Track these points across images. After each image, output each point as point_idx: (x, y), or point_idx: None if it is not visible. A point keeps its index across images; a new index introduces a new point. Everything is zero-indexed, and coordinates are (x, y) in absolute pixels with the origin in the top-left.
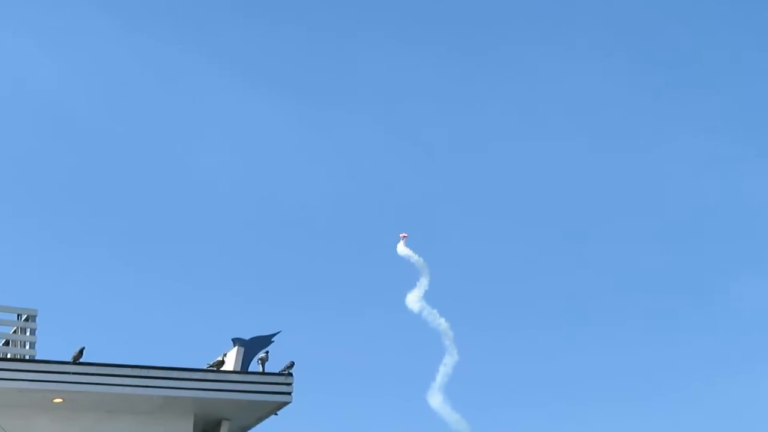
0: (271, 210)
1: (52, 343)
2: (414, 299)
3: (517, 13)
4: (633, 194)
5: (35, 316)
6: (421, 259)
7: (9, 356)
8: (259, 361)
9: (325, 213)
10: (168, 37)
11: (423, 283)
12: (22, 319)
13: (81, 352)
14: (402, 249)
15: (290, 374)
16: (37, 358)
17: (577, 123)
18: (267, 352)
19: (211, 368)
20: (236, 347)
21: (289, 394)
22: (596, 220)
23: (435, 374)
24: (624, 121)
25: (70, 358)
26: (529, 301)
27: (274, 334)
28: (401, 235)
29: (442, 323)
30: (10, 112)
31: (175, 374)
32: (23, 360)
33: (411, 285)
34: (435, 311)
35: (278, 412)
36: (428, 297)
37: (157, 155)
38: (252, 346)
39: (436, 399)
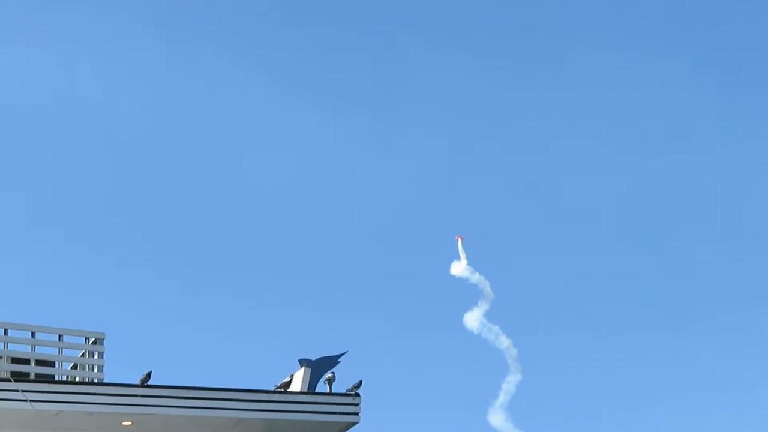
0: (326, 224)
1: (120, 367)
2: (475, 317)
3: (572, 16)
4: (696, 198)
5: (103, 339)
6: (482, 277)
7: (77, 380)
8: (326, 382)
9: (380, 226)
10: (216, 49)
11: (484, 300)
12: (90, 342)
13: (149, 375)
14: (458, 269)
15: (357, 394)
16: (105, 381)
17: (636, 127)
18: (333, 373)
19: (279, 389)
20: (303, 368)
21: (357, 414)
22: (660, 225)
23: (497, 393)
24: (685, 123)
25: (138, 381)
26: (596, 310)
27: (341, 355)
28: (457, 237)
29: (504, 341)
30: (59, 128)
31: (243, 396)
32: (92, 383)
33: (471, 301)
34: (497, 327)
35: None
36: (489, 314)
37: (210, 170)
38: (319, 367)
39: (498, 418)
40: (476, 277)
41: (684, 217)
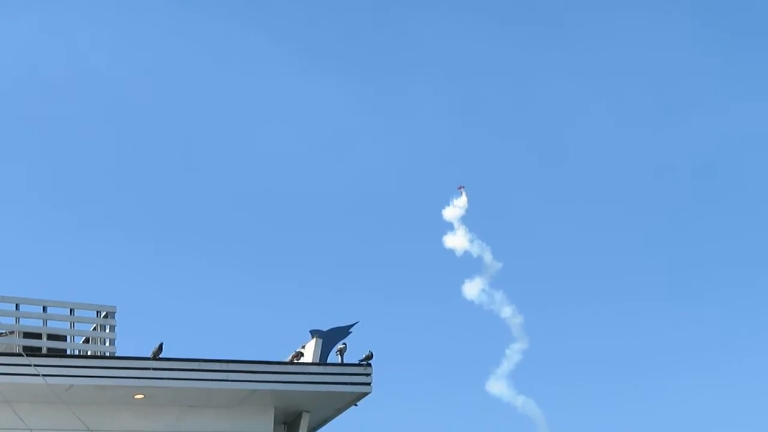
0: (333, 193)
1: (132, 340)
2: (476, 286)
3: None
4: (709, 164)
5: (114, 313)
6: (483, 244)
7: (89, 353)
8: (338, 353)
9: (389, 194)
10: (221, 15)
11: (485, 268)
12: (102, 316)
13: (160, 347)
14: (455, 239)
15: (369, 364)
16: (117, 354)
17: (648, 89)
18: (345, 343)
19: (291, 361)
20: (314, 339)
21: (369, 384)
22: (671, 193)
23: (501, 361)
24: (699, 87)
25: (149, 354)
26: (605, 279)
27: (352, 325)
28: (459, 187)
29: (507, 309)
30: (64, 100)
31: (255, 368)
32: (103, 357)
33: (473, 269)
34: (500, 295)
35: (358, 403)
36: (493, 282)
37: (217, 139)
38: (330, 338)
39: (498, 386)
40: (477, 246)
41: (696, 185)
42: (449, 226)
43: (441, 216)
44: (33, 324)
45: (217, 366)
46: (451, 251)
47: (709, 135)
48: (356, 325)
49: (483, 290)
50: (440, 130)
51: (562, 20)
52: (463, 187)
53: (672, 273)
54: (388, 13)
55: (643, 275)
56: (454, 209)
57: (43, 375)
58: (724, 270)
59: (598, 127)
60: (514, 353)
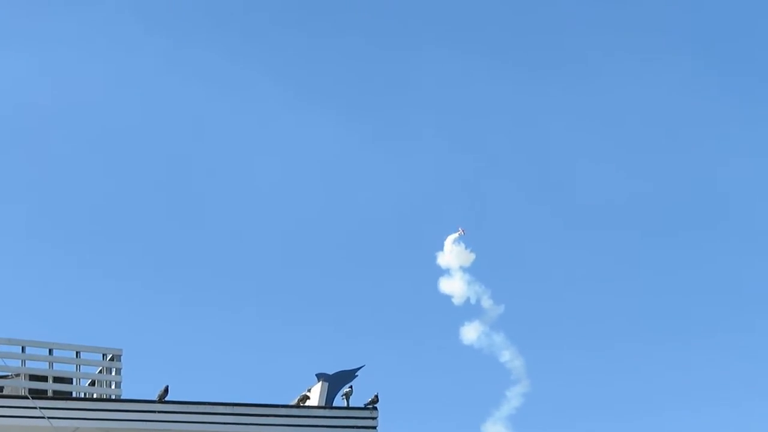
0: (336, 234)
1: (138, 383)
2: (477, 328)
3: (579, 18)
4: (708, 202)
5: (120, 356)
6: (482, 287)
7: (95, 396)
8: (344, 396)
9: (389, 235)
10: (220, 52)
11: (486, 311)
12: (108, 358)
13: (166, 390)
14: (453, 285)
15: (375, 408)
16: (122, 397)
17: (643, 127)
18: (351, 387)
19: (297, 404)
20: (320, 382)
21: (374, 428)
22: (671, 232)
23: (499, 404)
24: (693, 123)
25: (155, 397)
26: (610, 319)
27: (358, 368)
28: (459, 230)
29: (506, 352)
30: (59, 134)
31: (261, 411)
32: (109, 400)
33: (472, 312)
34: (500, 338)
35: None
36: (494, 325)
37: (219, 177)
38: (336, 381)
39: (497, 428)
40: (475, 289)
41: (697, 222)
42: (446, 270)
43: (439, 259)
44: (39, 367)
45: (223, 409)
46: (449, 296)
47: (720, 179)
48: (362, 368)
49: (483, 333)
50: (439, 170)
51: (564, 61)
52: (463, 231)
53: (673, 317)
54: (388, 52)
55: (644, 318)
56: (452, 253)
57: (49, 418)
58: (726, 314)
59: (600, 168)
60: (514, 396)
